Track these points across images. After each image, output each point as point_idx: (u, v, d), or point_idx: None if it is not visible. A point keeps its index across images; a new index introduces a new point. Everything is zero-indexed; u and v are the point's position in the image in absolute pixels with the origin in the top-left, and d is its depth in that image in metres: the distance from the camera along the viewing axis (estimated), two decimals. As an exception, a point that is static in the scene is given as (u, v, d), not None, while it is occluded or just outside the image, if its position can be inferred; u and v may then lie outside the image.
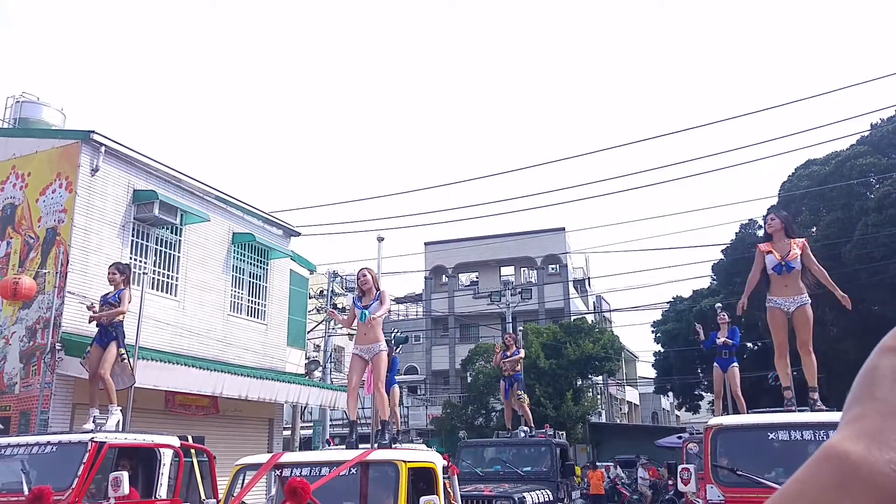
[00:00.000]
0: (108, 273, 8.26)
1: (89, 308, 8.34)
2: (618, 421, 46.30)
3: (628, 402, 52.28)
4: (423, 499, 5.42)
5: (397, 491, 5.42)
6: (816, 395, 6.12)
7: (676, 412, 53.60)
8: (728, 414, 9.81)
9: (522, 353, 13.21)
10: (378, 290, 7.28)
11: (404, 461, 5.64)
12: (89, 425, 7.31)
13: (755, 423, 5.52)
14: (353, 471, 5.63)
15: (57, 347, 11.59)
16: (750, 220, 26.94)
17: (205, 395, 13.79)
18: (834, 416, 5.36)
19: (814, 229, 23.22)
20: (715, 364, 10.88)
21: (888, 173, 21.63)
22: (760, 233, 26.63)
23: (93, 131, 12.91)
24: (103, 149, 13.02)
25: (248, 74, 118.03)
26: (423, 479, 6.07)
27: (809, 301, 6.43)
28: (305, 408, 23.31)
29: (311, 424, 26.93)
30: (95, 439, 6.46)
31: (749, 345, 10.42)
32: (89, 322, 8.42)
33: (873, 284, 20.72)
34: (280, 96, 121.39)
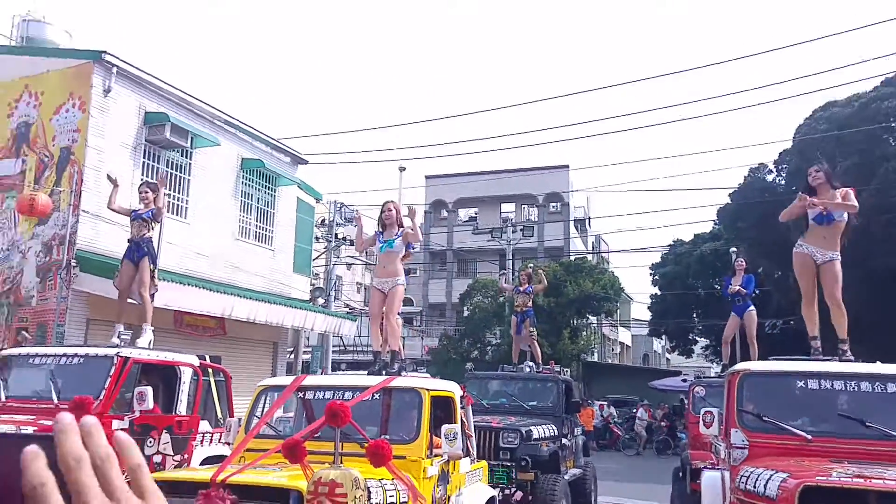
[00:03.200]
0: (141, 192, 8.11)
1: (111, 180, 8.18)
2: (609, 361, 47.00)
3: (621, 342, 52.96)
4: (444, 427, 5.49)
5: (420, 417, 5.48)
6: (846, 347, 6.01)
7: (668, 355, 54.38)
8: (739, 360, 9.83)
9: (544, 284, 13.34)
10: (401, 225, 7.24)
11: (427, 389, 5.70)
12: (115, 340, 7.36)
13: (783, 369, 5.41)
14: (376, 396, 5.70)
15: (72, 264, 11.66)
16: (760, 164, 26.24)
17: (213, 317, 13.92)
18: (863, 368, 5.35)
19: (853, 191, 22.42)
20: (732, 312, 10.77)
21: None
22: (771, 177, 26.30)
23: (104, 52, 12.72)
24: (115, 70, 12.86)
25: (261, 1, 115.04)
26: (442, 408, 6.14)
27: (839, 258, 6.28)
28: (308, 333, 23.62)
29: (310, 350, 27.34)
30: (121, 354, 6.54)
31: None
32: (121, 211, 8.26)
33: (886, 236, 20.11)
34: (291, 23, 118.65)
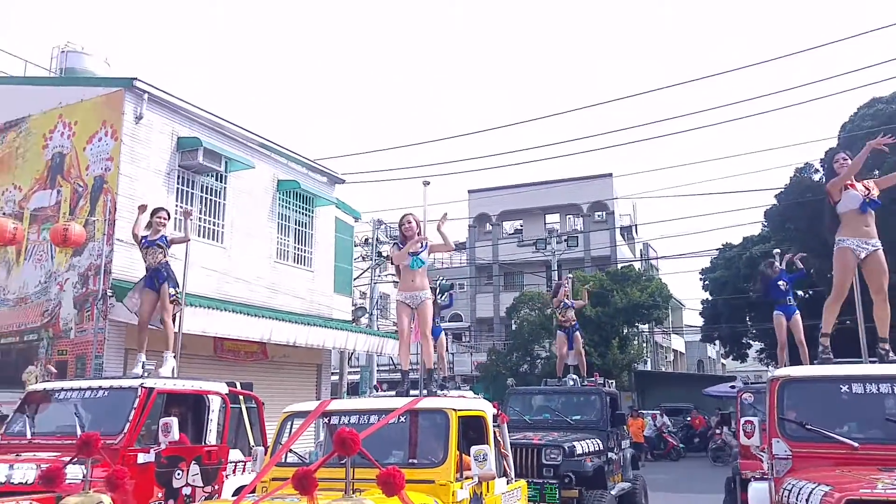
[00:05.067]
0: (159, 217, 8.02)
1: (141, 209, 8.12)
2: (663, 369, 46.04)
3: (674, 349, 51.88)
4: (473, 448, 5.27)
5: (448, 439, 5.27)
6: (887, 346, 5.71)
7: (723, 360, 53.05)
8: (787, 364, 9.42)
9: (583, 302, 13.15)
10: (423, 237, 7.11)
11: (454, 409, 5.49)
12: (138, 370, 7.31)
13: (825, 374, 5.15)
14: (403, 419, 5.51)
15: (108, 294, 11.79)
16: (806, 163, 25.71)
17: (253, 342, 13.95)
18: None
19: (876, 173, 22.08)
20: (777, 312, 10.38)
21: None
22: (817, 177, 25.55)
23: (135, 78, 12.90)
24: (146, 96, 13.02)
25: (292, 20, 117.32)
26: (473, 428, 5.93)
27: (881, 247, 5.98)
28: (353, 354, 23.60)
29: (358, 370, 27.32)
30: (145, 385, 6.49)
31: (800, 293, 10.07)
32: (135, 237, 8.18)
33: None
34: (324, 45, 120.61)
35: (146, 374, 7.16)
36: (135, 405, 6.23)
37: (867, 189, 6.04)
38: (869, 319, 6.16)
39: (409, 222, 7.00)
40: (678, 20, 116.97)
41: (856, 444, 4.56)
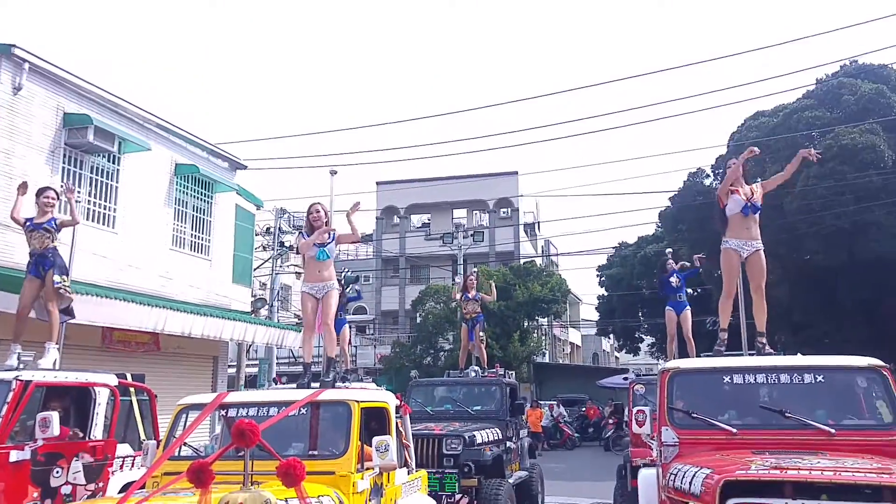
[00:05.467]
0: (45, 196, 7.38)
1: (21, 189, 7.43)
2: (560, 361, 47.35)
3: (571, 343, 53.46)
4: (375, 439, 5.25)
5: (349, 431, 5.22)
6: (765, 340, 6.18)
7: (616, 354, 55.17)
8: (676, 356, 9.85)
9: (492, 297, 13.18)
10: (327, 225, 6.98)
11: (357, 401, 5.43)
12: (12, 361, 6.71)
13: (711, 366, 5.50)
14: (304, 411, 5.41)
15: (-22, 281, 10.82)
16: (698, 168, 27.31)
17: (145, 332, 13.31)
18: (784, 361, 5.50)
19: (759, 180, 23.47)
20: (668, 307, 10.87)
21: (831, 127, 22.02)
22: (707, 181, 26.93)
23: (14, 45, 11.71)
24: (27, 66, 11.92)
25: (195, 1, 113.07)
26: (375, 419, 5.89)
27: (762, 248, 6.42)
28: (251, 346, 22.99)
29: (257, 362, 26.66)
30: (20, 377, 6.03)
31: (689, 290, 10.77)
32: (15, 220, 7.46)
33: (810, 235, 21.36)
34: (228, 26, 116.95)
35: (22, 365, 6.62)
36: (8, 399, 5.76)
37: (751, 193, 6.42)
38: (750, 316, 6.56)
39: (318, 211, 6.87)
40: (584, 24, 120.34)
41: (734, 430, 4.93)
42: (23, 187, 7.51)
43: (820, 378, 5.10)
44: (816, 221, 21.16)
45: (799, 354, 5.85)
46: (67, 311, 7.46)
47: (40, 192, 7.48)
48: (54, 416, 5.70)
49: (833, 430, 4.78)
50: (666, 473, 4.74)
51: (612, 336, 42.64)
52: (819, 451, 4.56)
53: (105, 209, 13.58)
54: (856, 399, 5.16)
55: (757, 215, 6.40)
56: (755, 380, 5.23)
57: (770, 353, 5.94)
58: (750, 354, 6.01)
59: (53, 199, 7.44)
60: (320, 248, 6.79)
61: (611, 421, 25.35)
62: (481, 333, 12.30)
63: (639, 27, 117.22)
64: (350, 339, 13.29)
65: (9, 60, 11.78)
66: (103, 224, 13.48)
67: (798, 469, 3.97)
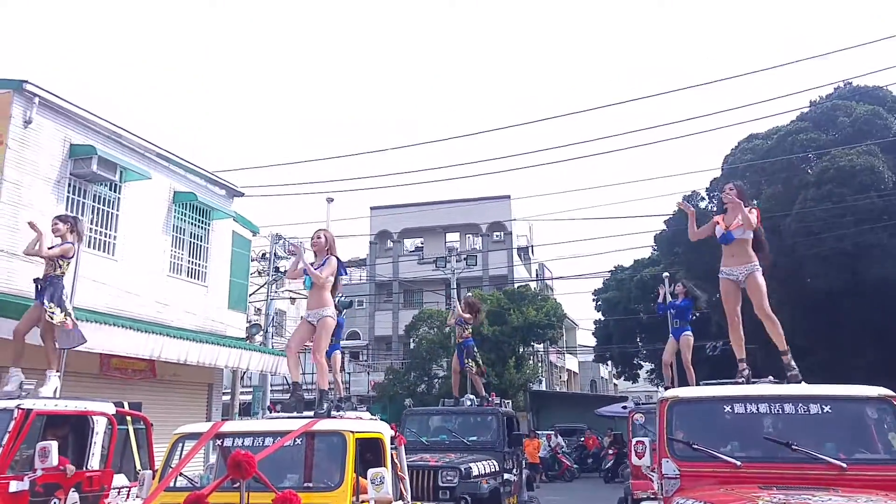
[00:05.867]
0: (52, 225, 7.54)
1: (32, 226, 7.52)
2: (557, 389, 47.07)
3: (568, 369, 53.15)
4: (370, 471, 5.23)
5: (344, 462, 5.22)
6: (789, 357, 6.01)
7: (615, 381, 54.70)
8: (676, 384, 9.79)
9: (478, 319, 12.94)
10: (329, 254, 6.98)
11: (352, 431, 5.44)
12: (11, 388, 6.74)
13: (710, 395, 5.35)
14: (299, 441, 5.42)
15: (-21, 306, 10.87)
16: (693, 191, 27.15)
17: (142, 359, 13.32)
18: (786, 389, 5.33)
19: (755, 202, 23.48)
20: (671, 334, 10.79)
21: (826, 149, 21.95)
22: (703, 204, 27.03)
23: (25, 81, 12.17)
24: (37, 100, 12.33)
25: (193, 28, 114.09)
26: (370, 450, 5.88)
27: (759, 268, 6.40)
28: (246, 373, 22.88)
29: (251, 390, 26.50)
30: (22, 406, 6.06)
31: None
32: (27, 252, 7.59)
33: (810, 257, 21.07)
34: (225, 51, 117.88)
35: (24, 393, 6.65)
36: (9, 429, 5.79)
37: (731, 220, 6.45)
38: (750, 341, 6.52)
39: (319, 238, 6.91)
40: (578, 50, 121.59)
41: (738, 463, 4.74)
42: (32, 226, 7.59)
43: (827, 408, 4.90)
44: (816, 244, 20.98)
45: (803, 383, 5.66)
46: (71, 338, 7.41)
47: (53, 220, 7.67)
48: (53, 446, 5.71)
49: (845, 465, 4.57)
50: None
51: (609, 362, 42.29)
52: (830, 487, 4.36)
53: (106, 237, 13.72)
54: (866, 431, 4.95)
55: (743, 241, 6.38)
56: (758, 409, 5.02)
57: (794, 372, 5.80)
58: (753, 382, 5.81)
59: (57, 226, 7.52)
60: (306, 277, 6.78)
61: (610, 451, 24.79)
62: (470, 361, 12.02)
63: (631, 48, 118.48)
64: (343, 366, 13.22)
65: (20, 95, 12.17)
66: (104, 251, 13.61)
67: None
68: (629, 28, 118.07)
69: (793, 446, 4.67)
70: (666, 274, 12.53)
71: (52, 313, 7.21)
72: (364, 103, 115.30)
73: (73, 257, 7.52)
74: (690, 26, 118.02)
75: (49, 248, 7.42)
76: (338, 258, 6.97)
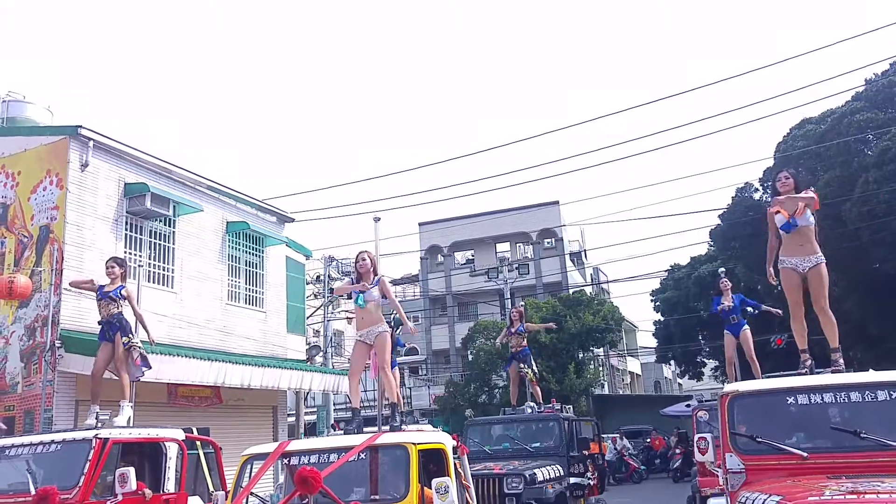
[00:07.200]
0: (108, 267, 8.09)
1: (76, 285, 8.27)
2: (620, 392, 46.48)
3: (630, 372, 52.47)
4: (434, 481, 5.31)
5: (408, 474, 5.30)
6: (839, 356, 5.91)
7: (679, 380, 53.74)
8: (739, 380, 9.63)
9: (538, 326, 12.97)
10: (376, 274, 7.10)
11: (413, 443, 5.52)
12: (91, 421, 7.18)
13: (772, 387, 5.28)
14: (363, 456, 5.52)
15: (56, 345, 11.50)
16: (746, 183, 26.44)
17: (207, 386, 13.72)
18: (852, 378, 5.23)
19: (812, 189, 22.68)
20: (725, 331, 10.65)
21: (886, 128, 20.95)
22: (757, 196, 26.39)
23: (80, 126, 12.76)
24: (92, 143, 12.87)
25: (235, 61, 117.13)
26: (433, 461, 5.96)
27: (824, 260, 6.24)
28: (308, 393, 23.27)
29: (315, 410, 26.91)
30: (99, 436, 6.36)
31: (749, 309, 10.36)
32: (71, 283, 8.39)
33: (875, 242, 20.20)
34: (268, 82, 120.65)
35: (100, 424, 7.01)
36: (89, 457, 6.09)
37: (796, 205, 6.24)
38: (816, 332, 6.35)
39: (364, 259, 7.01)
40: (620, 48, 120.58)
41: (805, 454, 4.67)
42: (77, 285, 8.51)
43: (895, 395, 4.77)
44: (881, 228, 20.13)
45: (871, 370, 5.56)
46: (139, 369, 7.97)
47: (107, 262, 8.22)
48: (131, 472, 5.97)
49: None
50: (734, 502, 4.58)
51: (672, 362, 41.58)
52: None
53: (164, 270, 14.16)
54: None
55: (808, 228, 6.21)
56: (822, 399, 4.94)
57: (839, 370, 5.70)
58: (818, 372, 5.73)
59: (112, 269, 8.02)
60: (358, 295, 6.91)
61: (678, 451, 24.53)
62: (525, 367, 12.09)
63: (676, 46, 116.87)
64: (402, 381, 13.40)
65: (76, 140, 12.74)
66: (163, 284, 14.05)
67: (877, 493, 3.73)
68: (669, 19, 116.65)
69: (861, 434, 4.58)
70: (721, 269, 12.34)
71: (133, 341, 7.80)
72: (406, 121, 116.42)
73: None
74: (733, 13, 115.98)
75: (110, 303, 7.95)
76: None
